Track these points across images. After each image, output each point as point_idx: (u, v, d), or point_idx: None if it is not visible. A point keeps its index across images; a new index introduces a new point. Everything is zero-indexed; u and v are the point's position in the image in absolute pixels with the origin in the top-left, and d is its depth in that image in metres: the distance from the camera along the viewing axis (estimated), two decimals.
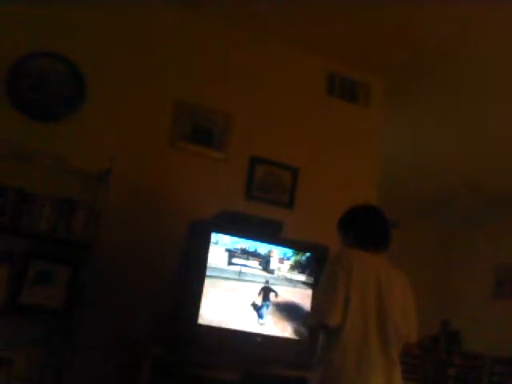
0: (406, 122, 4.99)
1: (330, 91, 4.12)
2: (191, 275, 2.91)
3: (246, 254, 3.11)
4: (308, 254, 3.22)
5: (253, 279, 3.08)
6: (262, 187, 3.75)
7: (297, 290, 3.17)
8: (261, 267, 3.14)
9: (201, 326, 2.84)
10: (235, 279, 3.03)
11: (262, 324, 3.02)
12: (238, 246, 3.09)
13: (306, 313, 2.55)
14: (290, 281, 3.16)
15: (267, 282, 3.10)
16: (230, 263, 3.03)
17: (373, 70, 4.17)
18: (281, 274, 3.17)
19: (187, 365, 2.75)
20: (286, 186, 3.81)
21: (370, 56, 4.02)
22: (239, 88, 3.82)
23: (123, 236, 3.30)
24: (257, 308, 3.03)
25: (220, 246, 3.02)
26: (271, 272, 3.16)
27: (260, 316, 3.03)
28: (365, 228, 2.54)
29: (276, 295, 3.08)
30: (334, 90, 4.14)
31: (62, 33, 3.41)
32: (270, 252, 3.19)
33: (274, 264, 3.17)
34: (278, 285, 3.12)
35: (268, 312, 3.05)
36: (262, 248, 3.15)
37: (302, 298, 3.13)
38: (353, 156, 4.08)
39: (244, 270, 3.07)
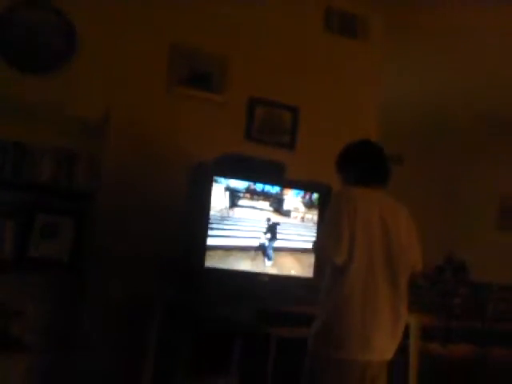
0: (406, 56, 4.89)
1: (329, 27, 4.02)
2: (196, 220, 2.92)
3: (254, 194, 3.09)
4: (316, 195, 3.22)
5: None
6: (262, 129, 3.71)
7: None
8: (272, 208, 3.12)
9: (208, 269, 2.88)
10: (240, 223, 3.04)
11: (269, 265, 3.05)
12: (243, 186, 3.07)
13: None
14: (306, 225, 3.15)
15: (269, 219, 3.10)
16: (234, 205, 3.02)
17: (371, 3, 4.05)
18: (299, 215, 3.15)
19: (198, 306, 2.79)
20: (286, 127, 3.77)
21: None
22: (235, 29, 3.71)
23: (125, 184, 3.30)
24: (264, 248, 3.05)
25: (223, 187, 3.01)
26: (286, 214, 3.13)
27: (268, 257, 3.06)
28: (365, 164, 2.53)
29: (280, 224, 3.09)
30: (332, 26, 4.04)
31: None
32: (282, 191, 3.15)
33: (288, 204, 3.14)
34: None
35: (274, 251, 3.07)
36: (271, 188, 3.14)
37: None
38: (353, 93, 4.02)
39: (250, 214, 3.06)
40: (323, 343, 2.33)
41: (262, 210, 3.10)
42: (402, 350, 2.58)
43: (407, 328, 2.73)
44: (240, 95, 3.67)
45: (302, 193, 3.23)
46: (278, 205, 3.14)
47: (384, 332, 2.33)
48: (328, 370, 2.31)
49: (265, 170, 3.23)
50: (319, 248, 2.48)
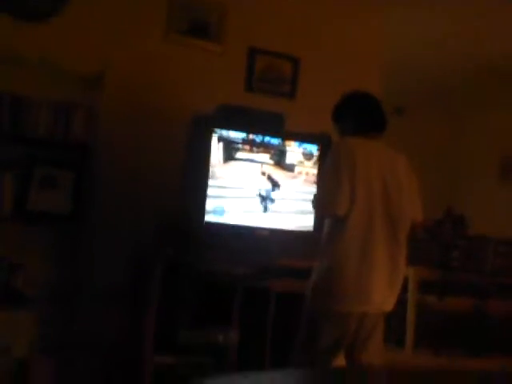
0: (407, 4, 4.76)
1: None
2: (195, 174, 2.90)
3: (252, 145, 3.04)
4: (315, 146, 3.18)
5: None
6: (262, 79, 3.65)
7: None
8: (272, 161, 3.08)
9: (207, 224, 2.87)
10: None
11: (267, 216, 3.04)
12: (240, 137, 3.02)
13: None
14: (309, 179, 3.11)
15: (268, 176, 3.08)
16: (231, 158, 2.98)
17: None
18: (304, 170, 3.13)
19: (199, 262, 2.81)
20: (287, 77, 3.71)
21: None
22: None
23: (123, 137, 3.25)
24: (263, 199, 3.04)
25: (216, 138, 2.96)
26: (289, 168, 3.10)
27: (265, 209, 3.05)
28: (363, 113, 2.53)
29: (278, 186, 3.08)
30: None
31: None
32: (284, 143, 3.10)
33: (291, 158, 3.11)
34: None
35: (273, 205, 3.06)
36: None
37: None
38: (355, 43, 3.94)
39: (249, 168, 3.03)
40: (321, 294, 2.36)
41: (262, 163, 3.05)
42: (400, 302, 2.62)
43: (405, 281, 2.77)
44: (240, 45, 3.60)
45: (304, 145, 3.18)
46: (279, 158, 3.10)
47: (382, 284, 2.35)
48: (325, 321, 2.35)
49: (264, 121, 3.18)
50: (319, 201, 2.45)
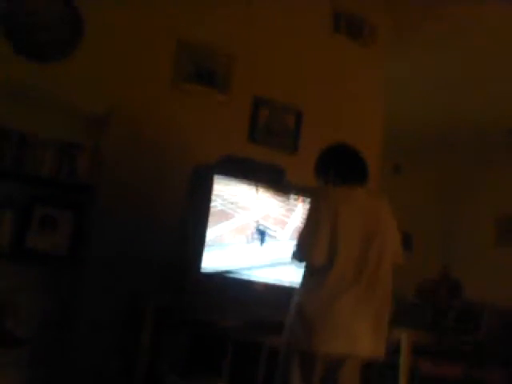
0: (411, 62, 4.88)
1: (336, 29, 4.01)
2: (194, 222, 2.91)
3: None
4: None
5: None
6: (265, 130, 3.71)
7: None
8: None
9: (204, 273, 2.87)
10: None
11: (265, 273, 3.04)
12: None
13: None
14: None
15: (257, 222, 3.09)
16: None
17: (379, 8, 4.05)
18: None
19: (190, 312, 2.80)
20: (289, 130, 3.77)
21: None
22: (243, 27, 3.70)
23: (126, 180, 3.27)
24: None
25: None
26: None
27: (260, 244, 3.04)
28: (344, 164, 2.57)
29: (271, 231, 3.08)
30: (340, 29, 4.03)
31: None
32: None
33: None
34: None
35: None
36: None
37: None
38: (357, 97, 4.02)
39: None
40: (298, 336, 2.34)
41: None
42: (393, 366, 2.61)
43: (398, 344, 2.77)
44: (245, 96, 3.66)
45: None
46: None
47: (363, 329, 2.34)
48: (300, 362, 2.33)
49: (265, 173, 3.22)
50: (298, 249, 2.43)
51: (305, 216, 2.47)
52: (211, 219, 2.89)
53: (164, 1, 3.50)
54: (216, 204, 2.93)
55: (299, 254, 2.42)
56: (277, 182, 3.22)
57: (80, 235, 3.00)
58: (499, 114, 5.47)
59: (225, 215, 2.96)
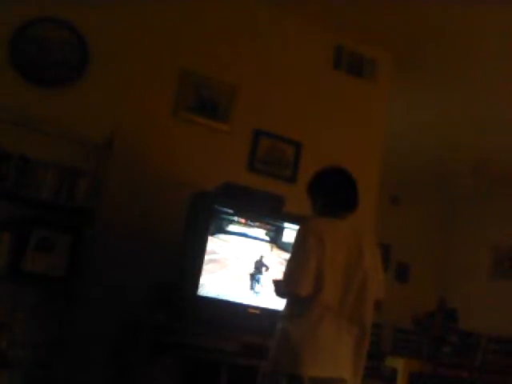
0: (411, 97, 4.95)
1: (337, 65, 4.09)
2: (191, 248, 2.92)
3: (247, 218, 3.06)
4: None
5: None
6: (264, 160, 3.74)
7: None
8: (268, 238, 3.08)
9: (200, 297, 2.87)
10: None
11: (256, 294, 3.03)
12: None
13: (277, 281, 2.59)
14: None
15: (261, 256, 3.09)
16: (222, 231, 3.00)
17: (380, 44, 4.13)
18: None
19: (186, 334, 2.78)
20: (288, 161, 3.80)
21: (377, 30, 3.98)
22: (245, 59, 3.79)
23: (125, 205, 3.31)
24: (253, 279, 3.04)
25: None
26: (285, 248, 3.08)
27: (252, 287, 3.04)
28: (332, 196, 2.53)
29: (267, 269, 3.08)
30: (341, 64, 4.10)
31: None
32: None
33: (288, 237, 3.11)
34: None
35: (260, 285, 3.06)
36: None
37: None
38: (356, 131, 4.07)
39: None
40: (284, 361, 2.32)
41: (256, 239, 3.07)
42: None
43: (395, 373, 2.74)
44: (245, 126, 3.72)
45: None
46: (275, 235, 3.11)
47: (345, 355, 2.36)
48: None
49: (265, 202, 3.23)
50: (286, 280, 2.43)
51: (292, 247, 2.47)
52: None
53: (168, 31, 3.59)
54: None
55: (286, 286, 2.41)
56: (276, 210, 3.23)
57: (77, 258, 2.99)
58: (497, 150, 5.52)
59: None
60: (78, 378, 2.99)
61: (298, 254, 2.39)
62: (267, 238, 3.12)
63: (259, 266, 3.08)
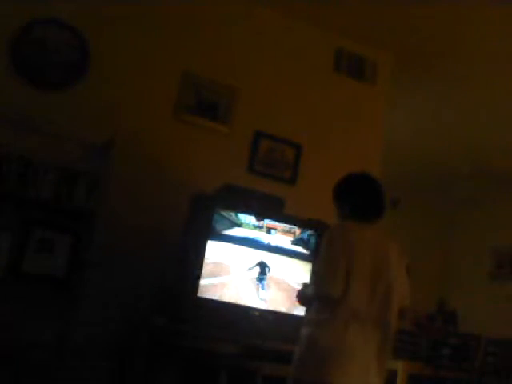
0: (412, 100, 4.95)
1: (337, 67, 4.09)
2: (192, 250, 2.92)
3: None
4: (309, 232, 3.23)
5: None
6: (264, 162, 3.75)
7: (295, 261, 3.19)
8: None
9: (201, 299, 2.87)
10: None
11: (262, 298, 3.04)
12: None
13: (305, 284, 2.60)
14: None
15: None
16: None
17: (380, 46, 4.13)
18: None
19: (186, 337, 2.78)
20: (288, 162, 3.81)
21: (378, 32, 3.99)
22: (246, 62, 3.80)
23: (125, 206, 3.30)
24: (257, 280, 3.05)
25: None
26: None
27: (258, 289, 3.05)
28: (360, 201, 2.53)
29: (269, 270, 3.08)
30: (341, 67, 4.11)
31: (66, 0, 3.37)
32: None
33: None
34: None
35: (265, 287, 3.07)
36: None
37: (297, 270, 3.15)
38: (357, 134, 4.07)
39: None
40: (310, 369, 2.30)
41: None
42: None
43: (393, 375, 2.73)
44: (245, 128, 3.72)
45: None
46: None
47: (371, 363, 2.34)
48: None
49: (264, 204, 3.24)
50: (315, 283, 2.46)
51: (321, 253, 2.45)
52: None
53: (170, 33, 3.60)
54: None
55: (317, 288, 2.41)
56: (276, 212, 3.23)
57: (77, 259, 3.00)
58: (497, 153, 5.53)
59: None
60: (78, 379, 2.98)
61: (328, 256, 2.39)
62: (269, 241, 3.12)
63: (262, 267, 3.08)
